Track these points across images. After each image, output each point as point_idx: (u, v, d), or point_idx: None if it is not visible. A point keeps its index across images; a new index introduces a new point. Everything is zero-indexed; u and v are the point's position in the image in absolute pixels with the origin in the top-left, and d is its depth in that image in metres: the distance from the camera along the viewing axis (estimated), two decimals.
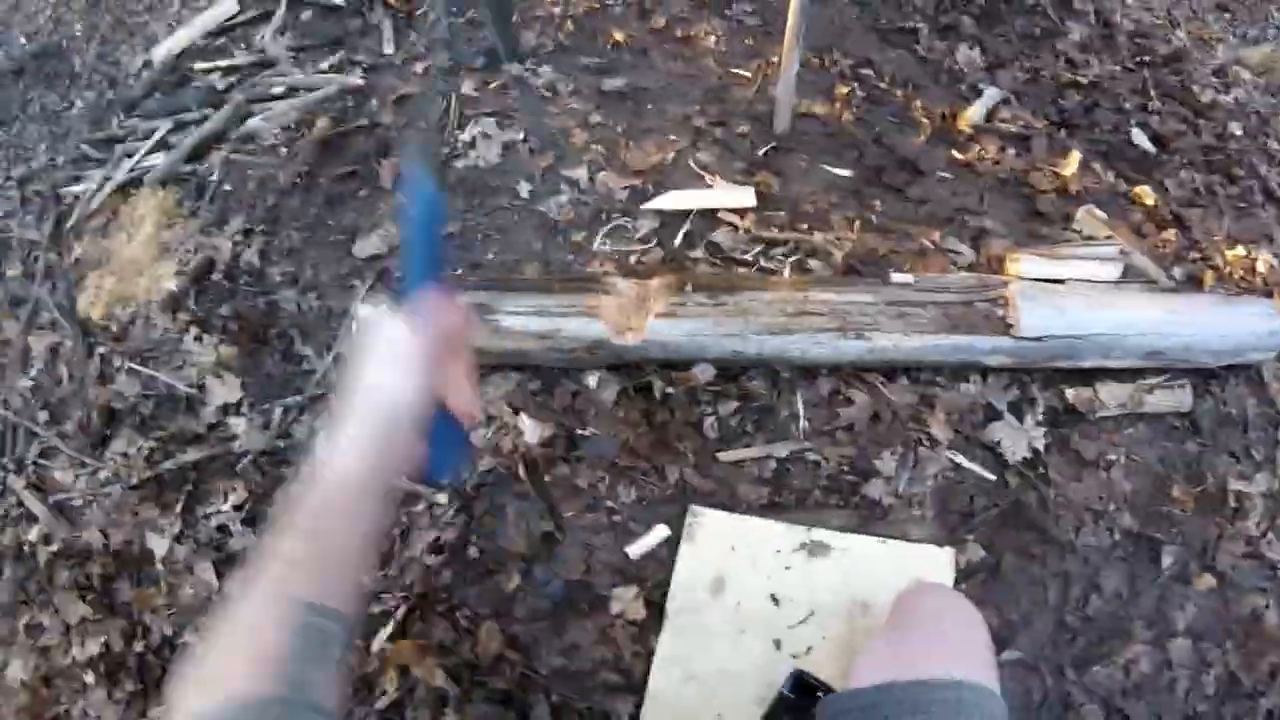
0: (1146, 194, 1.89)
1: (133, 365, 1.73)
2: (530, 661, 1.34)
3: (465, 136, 1.73)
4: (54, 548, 1.66)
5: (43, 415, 1.83)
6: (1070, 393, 1.52)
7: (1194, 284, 1.75)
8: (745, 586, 1.37)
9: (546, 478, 1.44)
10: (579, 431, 1.45)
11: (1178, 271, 1.75)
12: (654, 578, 1.38)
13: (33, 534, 1.65)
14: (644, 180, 1.68)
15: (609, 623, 1.37)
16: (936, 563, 1.39)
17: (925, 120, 1.85)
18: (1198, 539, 1.45)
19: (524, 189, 1.68)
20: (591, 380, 1.48)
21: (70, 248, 1.99)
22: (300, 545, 0.66)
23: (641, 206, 1.64)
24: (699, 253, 1.60)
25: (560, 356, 1.45)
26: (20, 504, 1.70)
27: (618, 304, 1.43)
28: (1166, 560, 1.43)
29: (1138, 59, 2.26)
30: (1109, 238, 1.73)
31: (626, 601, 1.37)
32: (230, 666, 0.60)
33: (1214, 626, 1.40)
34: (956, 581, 1.38)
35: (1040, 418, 1.51)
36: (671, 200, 1.64)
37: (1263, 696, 1.36)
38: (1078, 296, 1.49)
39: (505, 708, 1.31)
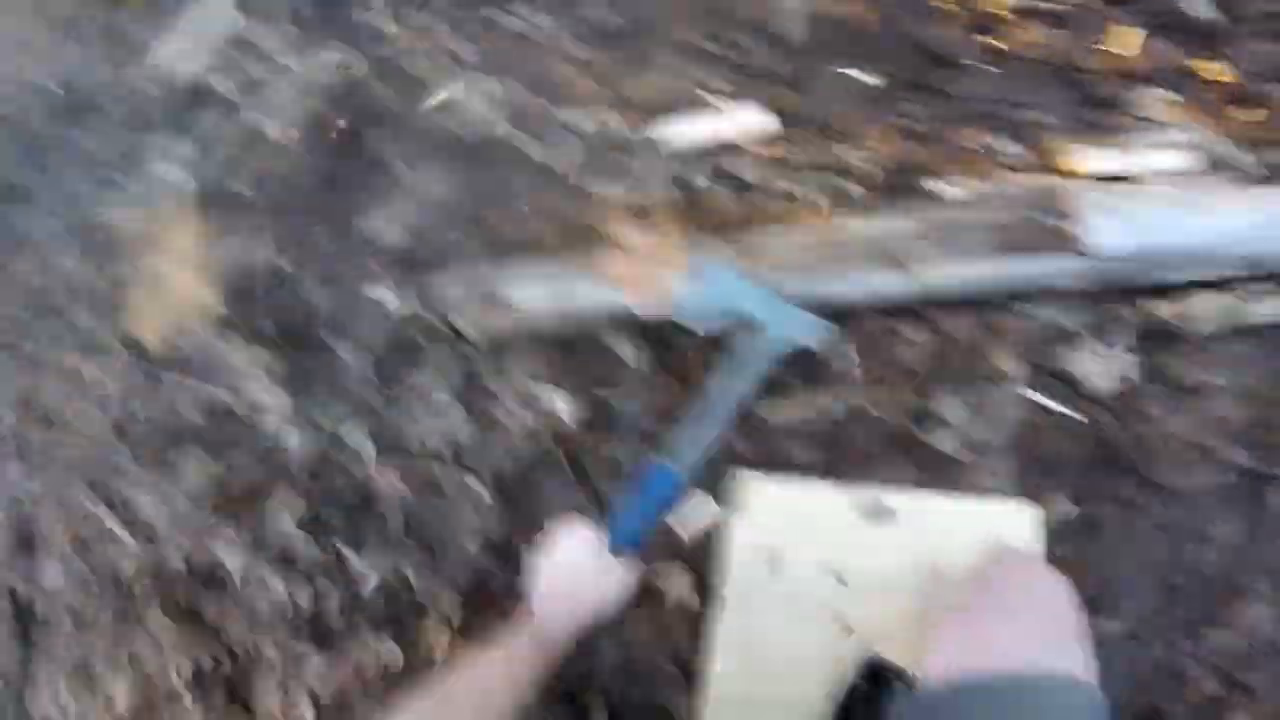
0: (1219, 70, 1.49)
1: (187, 383, 1.56)
2: (587, 659, 1.13)
3: (466, 103, 1.47)
4: (143, 573, 1.53)
5: (119, 444, 1.70)
6: (1159, 308, 1.18)
7: None
8: (805, 561, 1.11)
9: (586, 457, 1.20)
10: (613, 403, 1.20)
11: (1270, 156, 1.36)
12: (703, 557, 1.14)
13: (124, 563, 1.52)
14: (653, 116, 1.39)
15: (663, 612, 1.13)
16: (1019, 520, 1.10)
17: (957, 7, 1.48)
18: None
19: (530, 146, 1.42)
20: (616, 345, 1.21)
21: (113, 276, 1.85)
22: (428, 705, 0.71)
23: (652, 138, 1.35)
24: (720, 187, 1.30)
25: (580, 327, 1.18)
26: (112, 533, 1.56)
27: (631, 262, 1.15)
28: None
29: None
30: (1183, 122, 1.35)
31: (681, 587, 1.14)
32: None
33: None
34: (1046, 541, 1.09)
35: (1128, 341, 1.17)
36: (684, 133, 1.34)
37: None
38: (1154, 200, 1.14)
39: (565, 708, 1.11)
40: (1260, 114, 1.42)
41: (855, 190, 1.26)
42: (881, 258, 1.13)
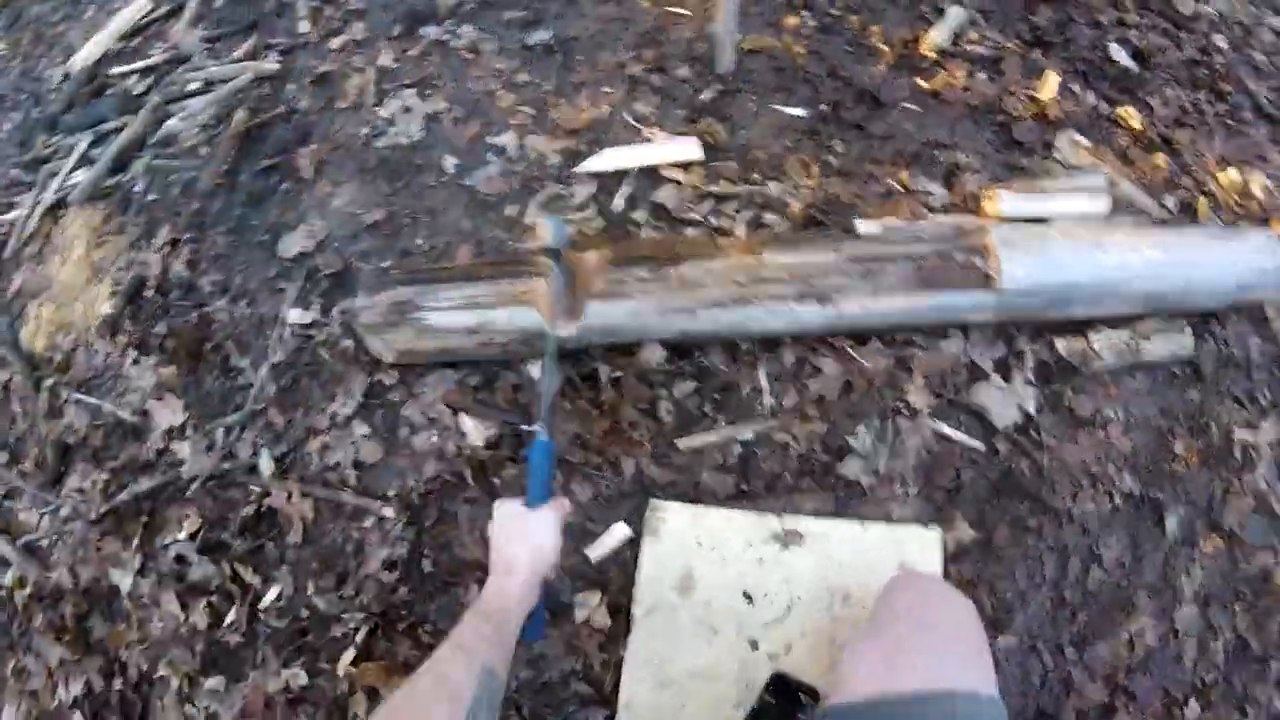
0: (1131, 115, 1.61)
1: (79, 395, 1.53)
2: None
3: (385, 113, 1.47)
4: (28, 591, 1.50)
5: (1, 456, 1.64)
6: (1061, 344, 1.28)
7: (1188, 213, 1.49)
8: (715, 583, 1.15)
9: (496, 480, 1.22)
10: (525, 428, 1.22)
11: (1170, 200, 1.50)
12: (618, 580, 1.18)
13: (7, 578, 1.49)
14: (577, 141, 1.41)
15: (574, 632, 1.17)
16: (923, 544, 1.16)
17: (885, 47, 1.55)
18: (1203, 496, 1.24)
19: (450, 163, 1.42)
20: (534, 371, 1.24)
21: (10, 278, 1.78)
22: (489, 628, 0.87)
23: (576, 170, 1.38)
24: (643, 215, 1.34)
25: (494, 351, 1.21)
26: None
27: (550, 288, 1.19)
28: (1171, 523, 1.22)
29: None
30: (1094, 166, 1.46)
31: (591, 608, 1.17)
32: (426, 704, 0.76)
33: (1222, 590, 1.20)
34: (946, 562, 1.16)
35: (1030, 375, 1.26)
36: (608, 160, 1.37)
37: (1274, 660, 1.17)
38: (1064, 240, 1.24)
39: None
40: (1163, 159, 1.55)
41: (776, 222, 1.31)
42: (800, 290, 1.18)
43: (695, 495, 1.20)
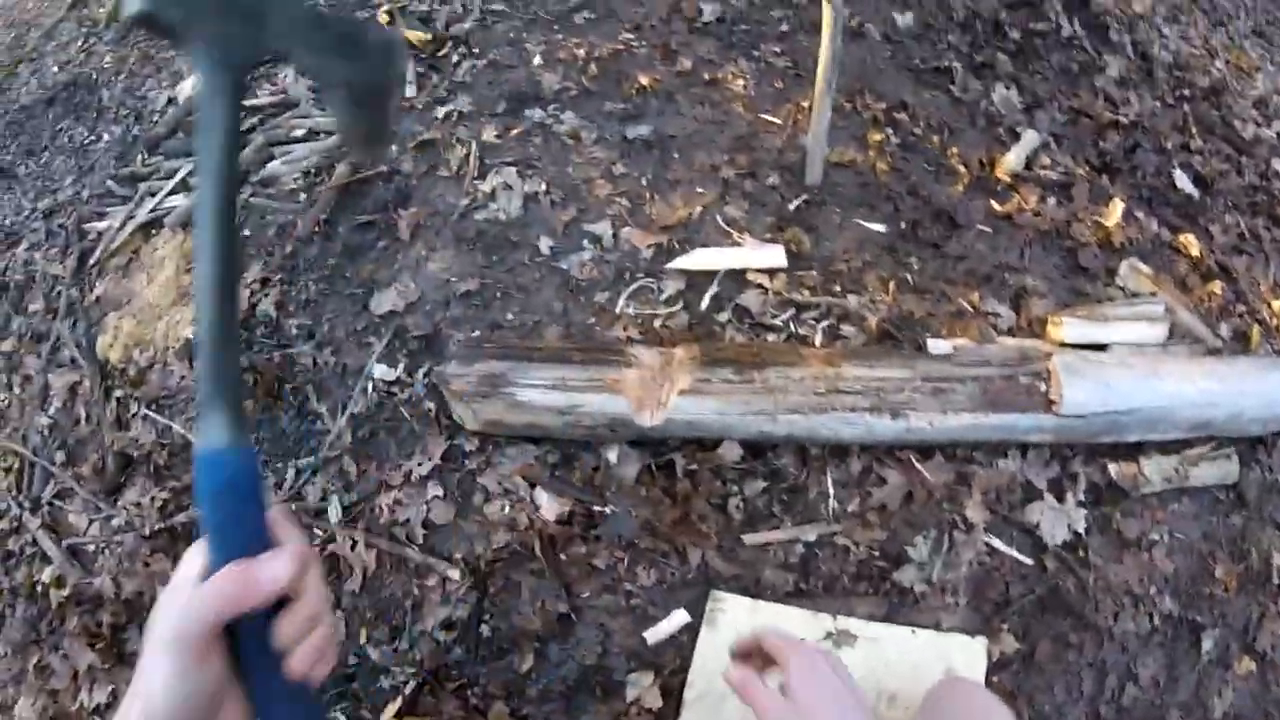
0: (1191, 243, 1.70)
1: (148, 412, 1.60)
2: None
3: (485, 187, 1.55)
4: (65, 591, 1.58)
5: (59, 455, 1.73)
6: (1113, 468, 1.35)
7: (1241, 341, 1.57)
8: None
9: (563, 556, 1.28)
10: (598, 509, 1.29)
11: (1224, 328, 1.57)
12: (672, 664, 1.23)
13: (45, 575, 1.54)
14: (669, 237, 1.49)
15: (624, 709, 1.22)
16: (969, 653, 1.22)
17: (962, 168, 1.65)
18: (1240, 619, 1.30)
19: (545, 244, 1.51)
20: (612, 455, 1.31)
21: (92, 285, 1.86)
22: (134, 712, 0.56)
23: (667, 266, 1.46)
24: (726, 316, 1.41)
25: (580, 432, 1.29)
26: (35, 543, 1.60)
27: (640, 379, 1.26)
28: (1206, 644, 1.28)
29: (1177, 93, 2.04)
30: (1153, 294, 1.54)
31: (643, 688, 1.22)
32: None
33: (1252, 711, 1.25)
34: (989, 672, 1.22)
35: (1082, 496, 1.33)
36: (698, 260, 1.45)
37: None
38: (1123, 368, 1.31)
39: None
40: (1220, 286, 1.63)
41: (853, 334, 1.39)
42: (874, 403, 1.25)
43: (756, 590, 1.25)
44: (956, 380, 1.28)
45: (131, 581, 1.47)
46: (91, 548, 1.60)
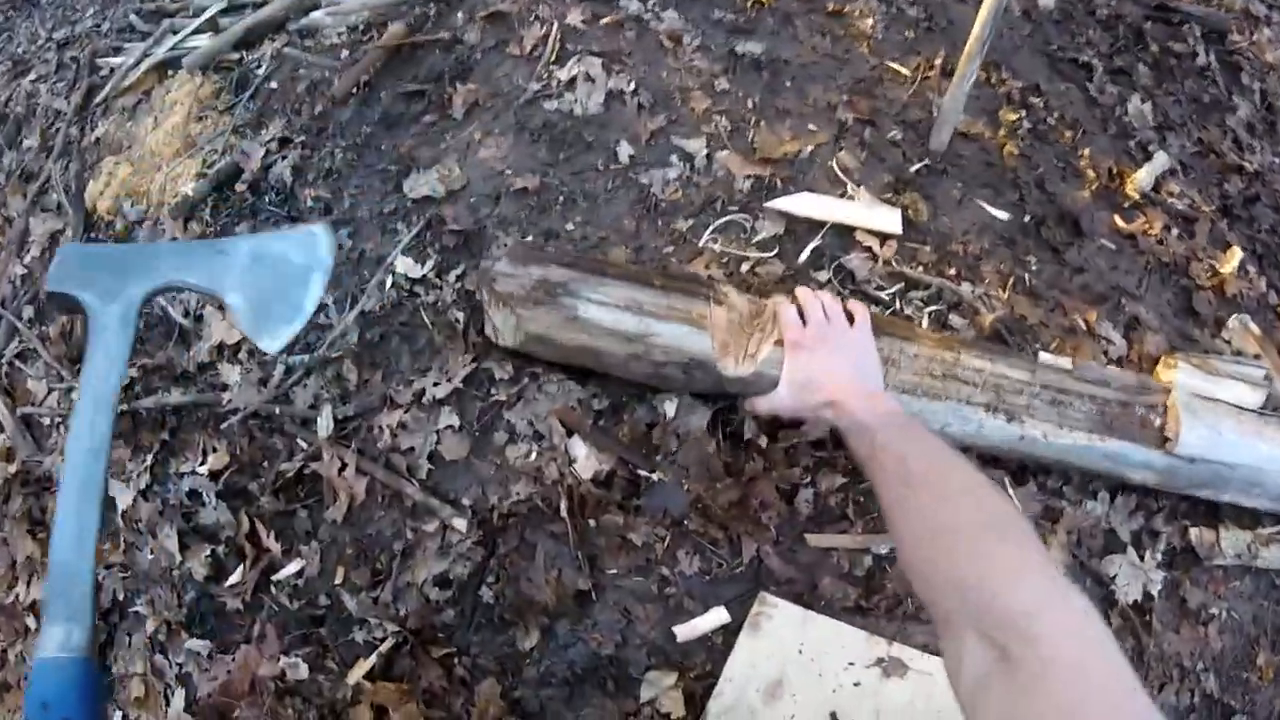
0: None
1: None
2: None
3: (562, 74, 1.33)
4: (13, 468, 1.41)
5: (28, 310, 1.53)
6: (1194, 532, 1.21)
7: None
8: (805, 698, 1.02)
9: (593, 523, 1.08)
10: (644, 474, 1.08)
11: None
12: (700, 668, 1.04)
13: None
14: (772, 171, 1.27)
15: (635, 710, 1.04)
16: None
17: (1091, 172, 1.47)
18: (1265, 712, 1.18)
19: (625, 151, 1.29)
20: (670, 408, 1.10)
21: (94, 124, 1.66)
22: None
23: (766, 205, 1.24)
24: (826, 276, 1.20)
25: (645, 369, 1.08)
26: None
27: (729, 322, 1.06)
28: None
29: None
30: (1257, 356, 1.40)
31: (661, 689, 1.04)
32: None
33: None
34: None
35: (1160, 557, 1.19)
36: (803, 204, 1.23)
37: None
38: (1235, 420, 1.17)
39: None
40: None
41: (962, 326, 1.20)
42: (991, 400, 1.06)
43: (810, 598, 1.06)
44: (1075, 395, 1.13)
45: None
46: (47, 420, 1.42)
